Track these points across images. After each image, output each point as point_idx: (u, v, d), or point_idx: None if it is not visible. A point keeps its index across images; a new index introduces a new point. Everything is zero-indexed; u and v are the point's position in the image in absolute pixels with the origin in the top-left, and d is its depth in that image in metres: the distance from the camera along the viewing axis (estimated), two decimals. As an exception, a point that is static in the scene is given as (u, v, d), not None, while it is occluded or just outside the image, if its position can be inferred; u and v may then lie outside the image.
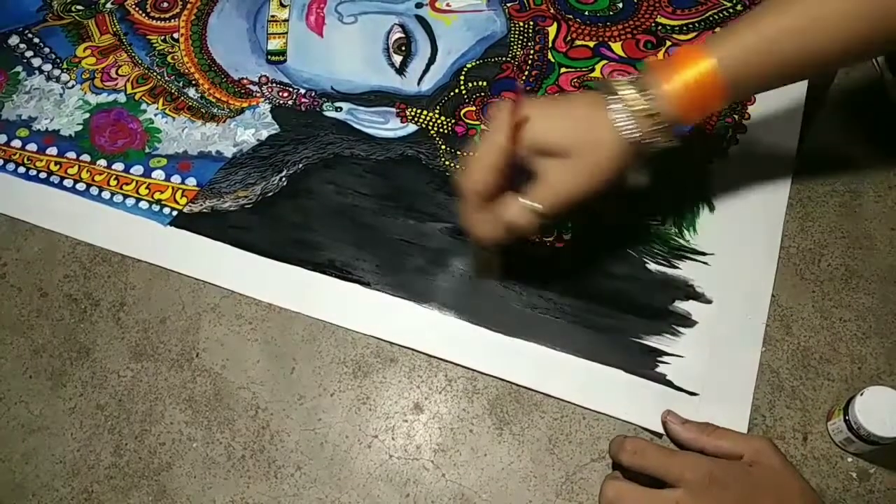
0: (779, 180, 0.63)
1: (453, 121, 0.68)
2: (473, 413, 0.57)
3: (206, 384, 0.59)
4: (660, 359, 0.57)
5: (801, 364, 0.57)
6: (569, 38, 0.71)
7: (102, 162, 0.68)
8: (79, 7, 0.76)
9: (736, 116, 0.66)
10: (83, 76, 0.72)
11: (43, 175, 0.68)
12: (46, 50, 0.74)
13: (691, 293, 0.59)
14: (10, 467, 0.57)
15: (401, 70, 0.71)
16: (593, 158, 0.48)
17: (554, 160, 0.49)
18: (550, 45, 0.71)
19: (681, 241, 0.61)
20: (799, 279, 0.60)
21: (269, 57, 0.72)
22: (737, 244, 0.61)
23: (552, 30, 0.72)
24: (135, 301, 0.62)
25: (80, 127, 0.70)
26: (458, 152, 0.66)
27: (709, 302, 0.59)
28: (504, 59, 0.70)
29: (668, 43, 0.70)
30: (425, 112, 0.68)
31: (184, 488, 0.55)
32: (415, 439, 0.56)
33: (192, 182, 0.66)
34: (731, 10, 0.71)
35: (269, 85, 0.71)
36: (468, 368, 0.58)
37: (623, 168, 0.49)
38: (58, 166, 0.68)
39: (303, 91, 0.70)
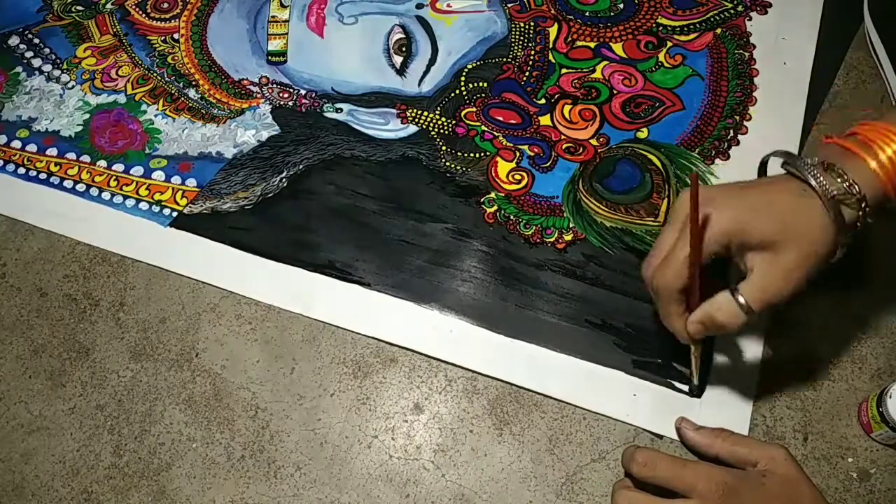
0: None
1: (454, 122, 0.68)
2: (473, 413, 0.57)
3: (206, 384, 0.59)
4: (660, 360, 0.57)
5: (801, 364, 0.57)
6: (570, 38, 0.71)
7: (102, 163, 0.68)
8: (79, 7, 0.76)
9: (737, 117, 0.66)
10: (83, 77, 0.72)
11: (43, 176, 0.68)
12: (46, 50, 0.74)
13: (692, 294, 0.59)
14: (9, 467, 0.57)
15: (401, 71, 0.71)
16: (808, 249, 0.46)
17: (761, 255, 0.46)
18: (551, 45, 0.71)
19: (681, 241, 0.61)
20: (799, 280, 0.60)
21: (270, 58, 0.72)
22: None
23: (553, 30, 0.72)
24: (134, 301, 0.62)
25: (80, 128, 0.70)
26: (459, 153, 0.66)
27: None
28: (505, 59, 0.70)
29: (669, 44, 0.70)
30: (426, 113, 0.68)
31: (183, 489, 0.55)
32: (415, 439, 0.56)
33: (192, 183, 0.66)
34: (731, 11, 0.71)
35: (270, 86, 0.71)
36: (468, 369, 0.58)
37: (833, 254, 0.47)
38: (58, 167, 0.68)
39: (303, 92, 0.70)
